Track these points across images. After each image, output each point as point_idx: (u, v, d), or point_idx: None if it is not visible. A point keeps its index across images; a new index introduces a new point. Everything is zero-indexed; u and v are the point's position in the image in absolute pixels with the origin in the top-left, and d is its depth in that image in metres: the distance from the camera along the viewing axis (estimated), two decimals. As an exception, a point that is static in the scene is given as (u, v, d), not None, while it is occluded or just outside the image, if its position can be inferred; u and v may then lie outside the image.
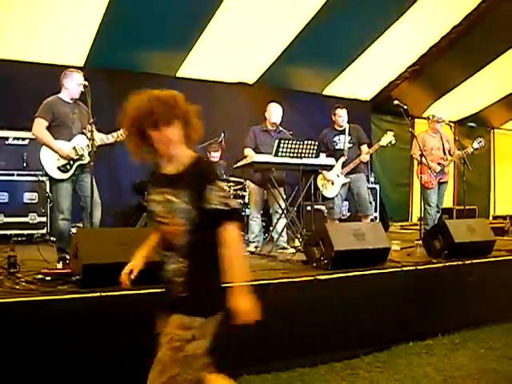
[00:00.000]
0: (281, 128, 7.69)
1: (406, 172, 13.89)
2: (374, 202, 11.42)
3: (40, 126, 5.89)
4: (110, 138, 6.13)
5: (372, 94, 12.84)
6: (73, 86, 6.05)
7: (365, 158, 7.95)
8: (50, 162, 5.89)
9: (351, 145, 8.01)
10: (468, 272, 6.09)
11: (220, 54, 9.94)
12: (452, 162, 8.91)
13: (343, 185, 8.01)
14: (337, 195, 8.03)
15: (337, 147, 7.94)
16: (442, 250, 6.26)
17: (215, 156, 9.52)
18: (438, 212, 8.78)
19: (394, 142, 8.06)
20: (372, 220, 10.63)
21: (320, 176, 7.82)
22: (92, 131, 5.64)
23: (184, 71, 10.29)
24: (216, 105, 10.62)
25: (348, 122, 8.11)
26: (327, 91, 12.03)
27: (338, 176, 7.96)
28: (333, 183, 8.00)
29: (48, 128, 5.91)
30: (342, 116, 8.02)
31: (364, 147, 8.03)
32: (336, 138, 8.02)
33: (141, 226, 8.87)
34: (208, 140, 9.36)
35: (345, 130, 8.04)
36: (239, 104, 10.80)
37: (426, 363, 4.94)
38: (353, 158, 7.92)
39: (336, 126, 8.11)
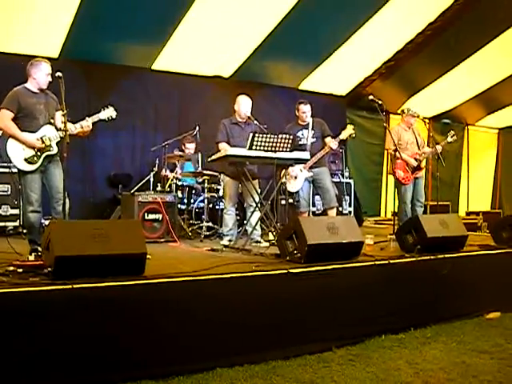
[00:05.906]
0: (256, 122, 7.65)
1: (379, 167, 13.95)
2: (348, 197, 11.51)
3: (5, 117, 5.77)
4: (73, 130, 5.93)
5: (347, 90, 12.89)
6: (41, 76, 5.90)
7: (333, 144, 7.89)
8: (17, 154, 5.78)
9: (315, 139, 8.03)
10: (441, 266, 6.14)
11: (196, 47, 9.91)
12: (426, 157, 8.95)
13: (306, 179, 8.08)
14: (301, 189, 8.11)
15: (300, 142, 7.94)
16: (415, 245, 6.28)
17: (190, 147, 9.53)
18: (421, 207, 8.73)
19: (353, 135, 8.16)
20: (341, 213, 10.71)
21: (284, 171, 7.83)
22: (65, 123, 5.51)
23: (160, 64, 10.24)
24: (191, 98, 10.61)
25: (312, 116, 8.14)
26: (303, 86, 12.06)
27: (301, 171, 8.01)
28: (296, 178, 8.06)
29: (14, 119, 5.79)
30: (305, 112, 8.04)
31: (328, 139, 8.01)
32: (299, 133, 8.03)
33: (115, 218, 8.85)
34: (182, 133, 9.37)
35: (308, 124, 8.08)
36: (215, 97, 10.76)
37: (398, 356, 4.96)
38: (316, 152, 7.93)
39: (300, 122, 8.13)
